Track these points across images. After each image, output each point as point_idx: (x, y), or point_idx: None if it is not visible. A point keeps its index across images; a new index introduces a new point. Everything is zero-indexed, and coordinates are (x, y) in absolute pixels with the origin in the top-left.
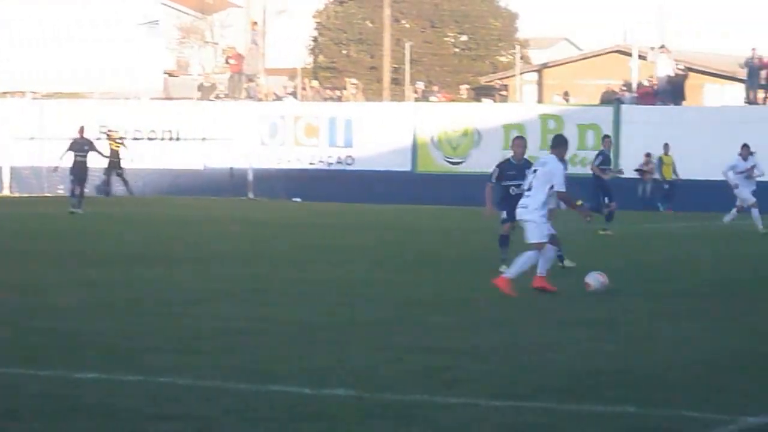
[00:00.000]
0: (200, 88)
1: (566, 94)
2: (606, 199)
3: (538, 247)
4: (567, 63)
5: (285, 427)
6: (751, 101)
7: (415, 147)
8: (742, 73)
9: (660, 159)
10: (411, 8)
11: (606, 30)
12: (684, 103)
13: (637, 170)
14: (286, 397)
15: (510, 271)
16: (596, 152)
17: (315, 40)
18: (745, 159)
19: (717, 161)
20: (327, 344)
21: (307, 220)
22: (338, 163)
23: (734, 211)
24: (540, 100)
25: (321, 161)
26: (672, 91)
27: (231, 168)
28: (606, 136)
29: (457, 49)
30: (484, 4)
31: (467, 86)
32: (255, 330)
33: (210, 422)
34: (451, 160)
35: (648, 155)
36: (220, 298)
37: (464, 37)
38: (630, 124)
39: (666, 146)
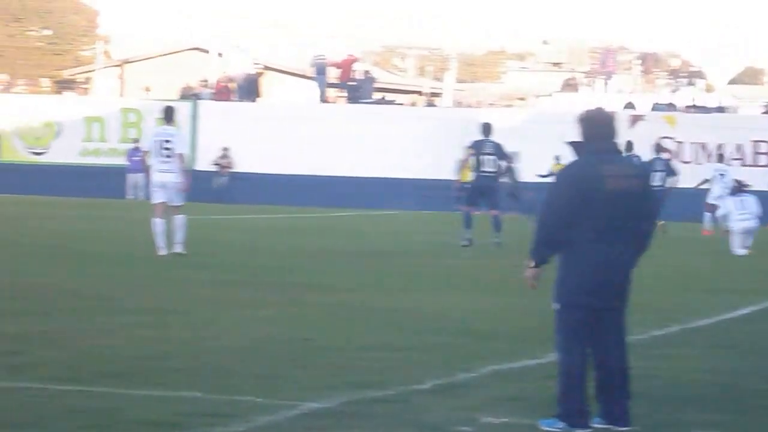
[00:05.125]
0: None
1: (147, 88)
2: None
3: None
4: (148, 59)
5: None
6: (324, 99)
7: None
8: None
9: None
10: None
11: (187, 28)
12: (259, 99)
13: (214, 164)
14: None
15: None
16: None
17: None
18: None
19: (290, 155)
20: None
21: None
22: None
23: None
24: (121, 94)
25: None
26: (248, 88)
27: None
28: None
29: (40, 44)
30: (67, 1)
31: (50, 79)
32: None
33: None
34: (33, 150)
35: (225, 149)
36: None
37: (47, 32)
38: (207, 119)
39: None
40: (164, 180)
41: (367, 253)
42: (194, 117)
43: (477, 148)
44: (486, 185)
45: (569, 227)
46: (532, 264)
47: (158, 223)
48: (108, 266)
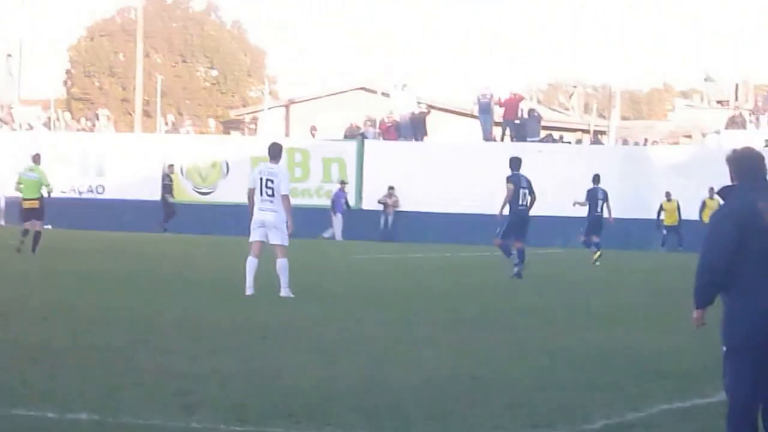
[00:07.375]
0: None
1: (313, 128)
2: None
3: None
4: (313, 99)
5: None
6: (487, 138)
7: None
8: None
9: (661, 206)
10: (162, 43)
11: (352, 68)
12: (426, 138)
13: (380, 202)
14: (29, 421)
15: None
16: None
17: (68, 72)
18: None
19: (457, 194)
20: (69, 368)
21: (53, 246)
22: (89, 191)
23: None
24: (287, 134)
25: (72, 189)
26: (414, 127)
27: None
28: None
29: (207, 84)
30: (234, 41)
31: (216, 119)
32: None
33: None
34: (200, 190)
35: (391, 188)
36: None
37: (214, 72)
38: (373, 158)
39: (668, 194)
40: (264, 218)
41: (533, 289)
42: (360, 156)
43: (516, 182)
44: (523, 219)
45: (729, 269)
46: (696, 307)
47: (250, 261)
48: (278, 303)
